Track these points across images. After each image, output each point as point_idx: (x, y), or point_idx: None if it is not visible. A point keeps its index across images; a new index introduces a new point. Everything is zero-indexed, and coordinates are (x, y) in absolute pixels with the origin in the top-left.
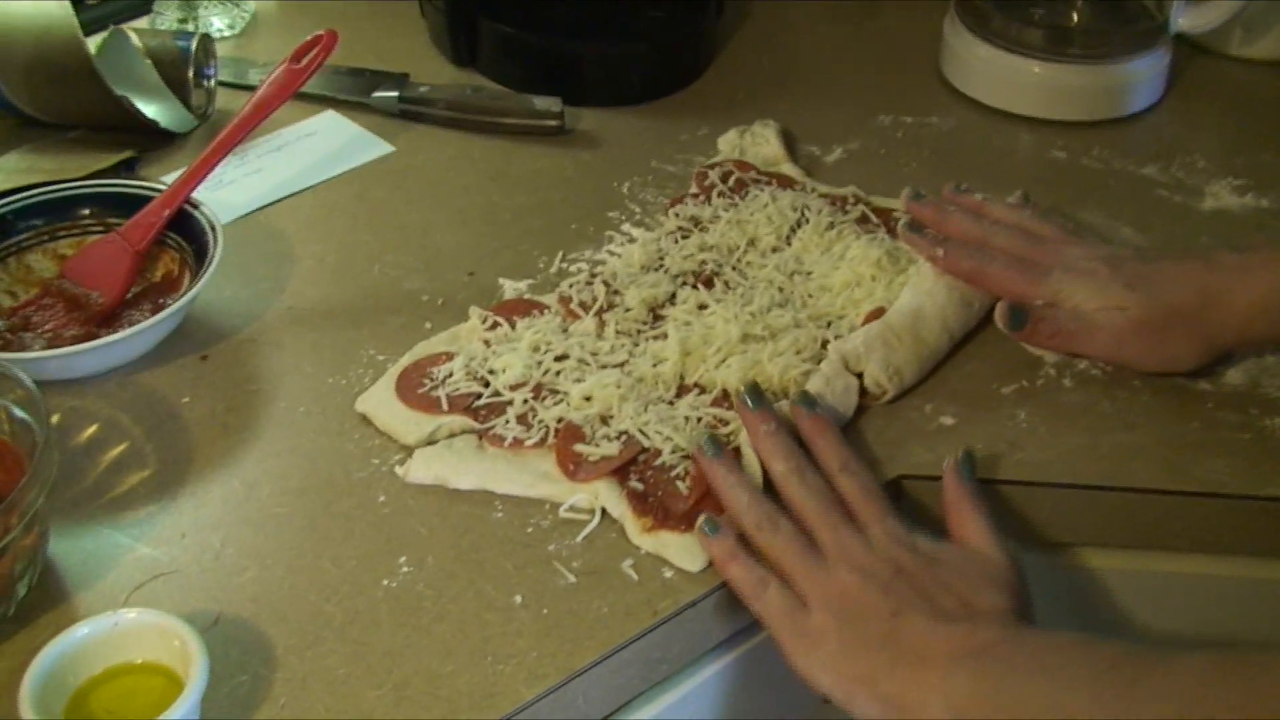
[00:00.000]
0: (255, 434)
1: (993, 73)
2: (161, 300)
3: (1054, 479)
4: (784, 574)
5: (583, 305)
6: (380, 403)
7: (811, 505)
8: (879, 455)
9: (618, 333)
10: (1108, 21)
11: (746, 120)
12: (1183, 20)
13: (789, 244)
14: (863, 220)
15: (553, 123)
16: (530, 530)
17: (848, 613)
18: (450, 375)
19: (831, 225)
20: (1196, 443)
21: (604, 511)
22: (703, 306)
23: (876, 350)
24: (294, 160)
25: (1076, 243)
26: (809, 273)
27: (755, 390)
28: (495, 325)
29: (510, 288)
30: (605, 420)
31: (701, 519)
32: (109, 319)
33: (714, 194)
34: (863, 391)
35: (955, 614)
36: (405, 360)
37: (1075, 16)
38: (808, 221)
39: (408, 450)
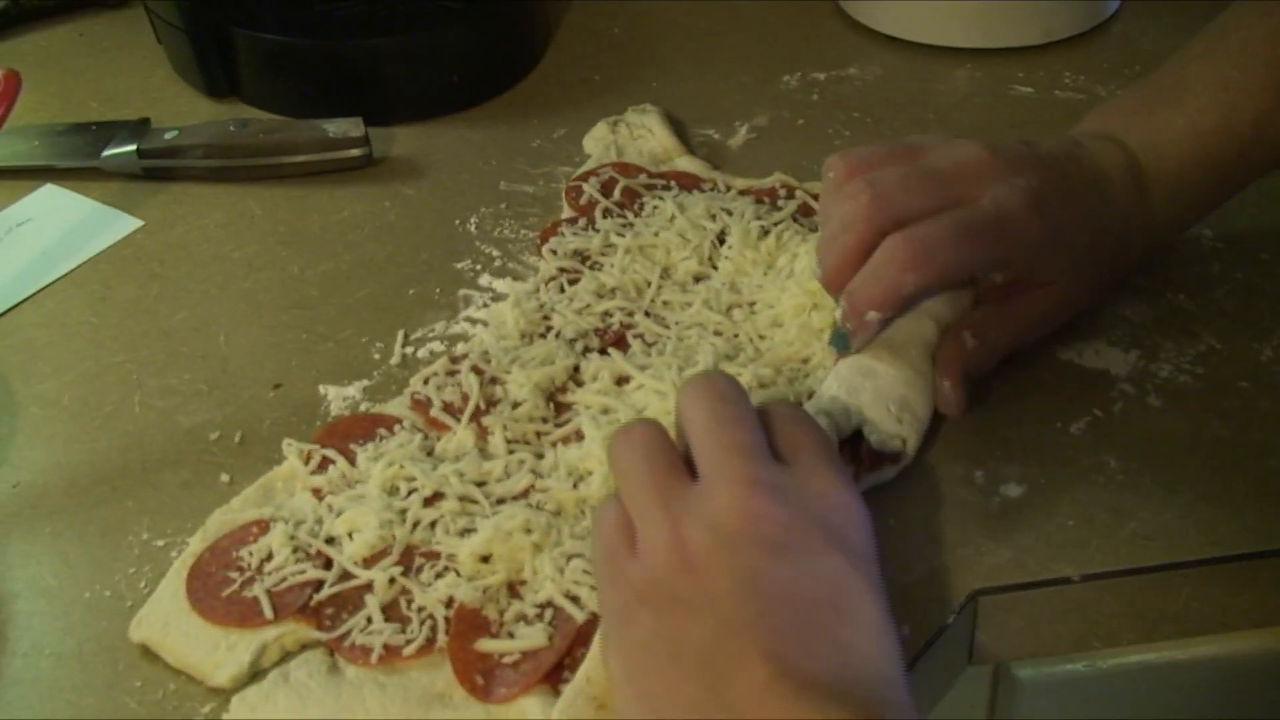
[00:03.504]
0: None
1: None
2: None
3: (1195, 553)
4: None
5: (449, 409)
6: (167, 622)
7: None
8: (933, 565)
9: (509, 443)
10: None
11: (614, 109)
12: None
13: (715, 267)
14: (805, 213)
15: (355, 151)
16: None
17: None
18: (269, 558)
19: (765, 231)
20: None
21: None
22: (623, 380)
23: (861, 389)
24: (3, 262)
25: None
26: (752, 303)
27: None
28: (326, 463)
29: (338, 398)
30: (516, 590)
31: None
32: None
33: (597, 214)
34: (875, 461)
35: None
36: (196, 543)
37: None
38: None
39: (221, 695)
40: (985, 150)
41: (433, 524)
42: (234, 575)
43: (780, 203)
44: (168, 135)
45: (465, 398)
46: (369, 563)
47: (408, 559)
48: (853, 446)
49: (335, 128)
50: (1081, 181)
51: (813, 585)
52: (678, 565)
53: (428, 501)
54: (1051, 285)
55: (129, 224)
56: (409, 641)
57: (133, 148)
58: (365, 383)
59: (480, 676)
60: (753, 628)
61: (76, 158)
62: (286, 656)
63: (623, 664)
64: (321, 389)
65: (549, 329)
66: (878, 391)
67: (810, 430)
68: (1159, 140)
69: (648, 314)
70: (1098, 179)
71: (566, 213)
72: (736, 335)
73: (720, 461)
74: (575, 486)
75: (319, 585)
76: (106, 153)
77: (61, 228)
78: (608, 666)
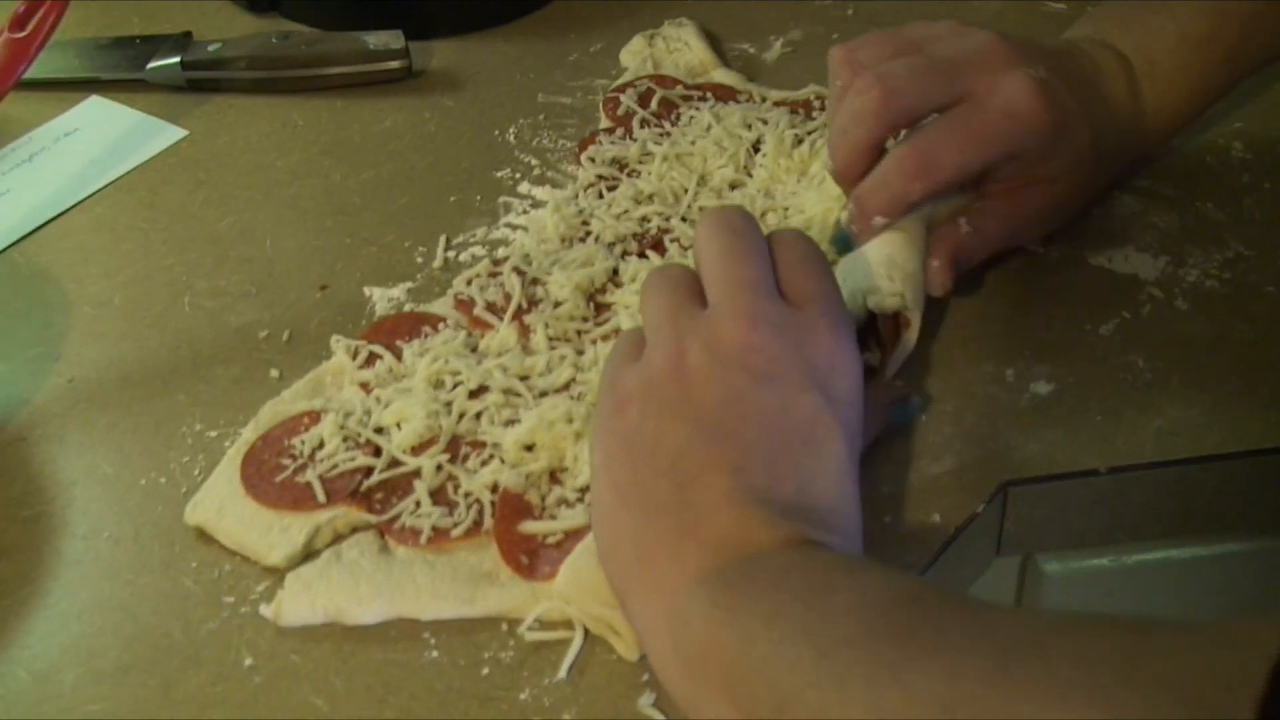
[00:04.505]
0: (42, 588)
1: None
2: None
3: (1220, 448)
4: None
5: (492, 308)
6: (222, 506)
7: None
8: (963, 458)
9: (551, 340)
10: None
11: (650, 23)
12: None
13: (750, 174)
14: None
15: (395, 64)
16: (486, 673)
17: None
18: (320, 446)
19: (799, 140)
20: None
21: None
22: None
23: (854, 269)
24: (53, 170)
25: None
26: (785, 209)
27: None
28: (373, 358)
29: (383, 299)
30: (557, 477)
31: None
32: None
33: (635, 124)
34: (893, 333)
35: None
36: (249, 433)
37: None
38: (768, 140)
39: (275, 574)
40: (995, 38)
41: (477, 415)
42: (286, 462)
43: (814, 114)
44: (211, 48)
45: (507, 297)
46: (416, 451)
47: (454, 448)
48: (871, 331)
49: (375, 40)
50: (1083, 78)
51: (788, 416)
52: (672, 373)
53: (472, 395)
54: (1052, 183)
55: (174, 134)
56: (456, 524)
57: (176, 60)
58: (409, 284)
59: (525, 556)
60: (726, 440)
61: (121, 70)
62: (338, 539)
63: (603, 453)
64: (366, 290)
65: (588, 233)
66: (867, 261)
67: (816, 271)
68: (1150, 47)
69: (684, 219)
70: (1096, 78)
71: (604, 124)
72: None
73: (728, 294)
74: None
75: (369, 472)
76: (151, 65)
77: (108, 137)
78: (591, 458)
